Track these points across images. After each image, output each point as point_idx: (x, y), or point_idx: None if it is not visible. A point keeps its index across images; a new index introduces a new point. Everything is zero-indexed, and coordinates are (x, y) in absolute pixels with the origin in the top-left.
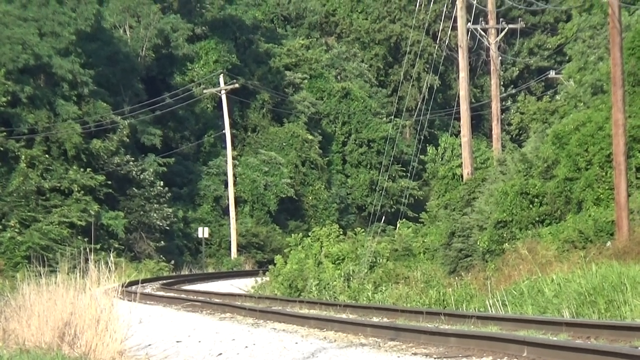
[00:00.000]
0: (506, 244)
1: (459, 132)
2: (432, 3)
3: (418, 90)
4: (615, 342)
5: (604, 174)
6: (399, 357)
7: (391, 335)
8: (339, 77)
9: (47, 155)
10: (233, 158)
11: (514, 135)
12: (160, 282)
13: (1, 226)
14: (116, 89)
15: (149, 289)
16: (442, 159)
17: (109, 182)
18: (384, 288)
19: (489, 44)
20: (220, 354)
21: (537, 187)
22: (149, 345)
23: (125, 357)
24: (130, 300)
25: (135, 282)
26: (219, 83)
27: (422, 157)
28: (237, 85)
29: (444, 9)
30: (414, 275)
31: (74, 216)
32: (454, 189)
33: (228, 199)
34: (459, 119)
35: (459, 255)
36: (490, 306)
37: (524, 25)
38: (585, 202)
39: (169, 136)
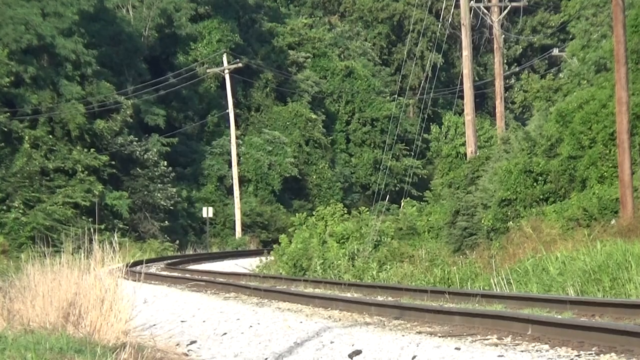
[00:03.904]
0: (510, 222)
1: (463, 110)
2: None
3: (421, 69)
4: (620, 319)
5: (607, 151)
6: (403, 335)
7: (396, 314)
8: (342, 55)
9: (50, 136)
10: (237, 138)
11: (517, 114)
12: (164, 262)
13: (5, 207)
14: (119, 69)
15: (153, 269)
16: (445, 138)
17: (113, 162)
18: (388, 267)
19: (492, 22)
20: (225, 333)
21: (541, 166)
22: (154, 325)
23: (130, 337)
24: (135, 280)
25: (140, 262)
26: (222, 62)
27: (425, 135)
28: (240, 65)
29: None
30: (419, 254)
31: (78, 196)
32: (458, 167)
33: (232, 179)
34: (462, 98)
35: (464, 234)
36: (495, 284)
37: (527, 3)
38: (589, 180)
39: (173, 116)
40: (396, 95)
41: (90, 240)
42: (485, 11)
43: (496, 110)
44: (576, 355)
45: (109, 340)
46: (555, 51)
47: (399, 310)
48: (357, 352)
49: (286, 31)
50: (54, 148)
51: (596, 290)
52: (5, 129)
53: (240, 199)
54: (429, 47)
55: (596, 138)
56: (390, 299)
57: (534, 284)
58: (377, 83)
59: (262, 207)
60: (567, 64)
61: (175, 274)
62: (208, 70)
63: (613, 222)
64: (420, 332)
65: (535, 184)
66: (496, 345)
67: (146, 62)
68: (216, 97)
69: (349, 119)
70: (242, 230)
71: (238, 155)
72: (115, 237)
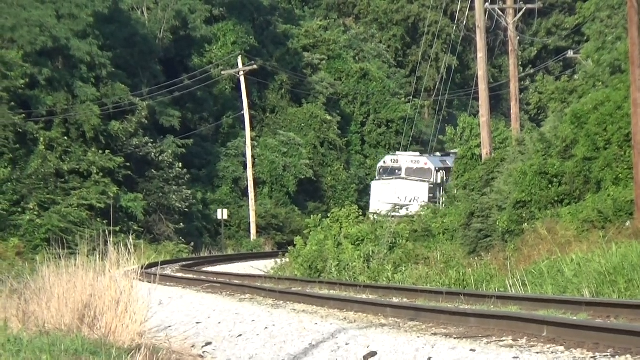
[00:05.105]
0: (525, 224)
1: (478, 112)
2: None
3: (436, 71)
4: (635, 321)
5: (622, 153)
6: (418, 337)
7: (411, 315)
8: (357, 57)
9: (65, 138)
10: (252, 139)
11: (532, 115)
12: (179, 263)
13: (20, 209)
14: (134, 71)
15: (168, 270)
16: (460, 139)
17: (128, 164)
18: (403, 268)
19: (507, 24)
20: (240, 335)
21: (555, 167)
22: (169, 326)
23: (145, 339)
24: (150, 282)
25: (155, 264)
26: (237, 64)
27: (440, 137)
28: (255, 67)
29: None
30: (434, 256)
31: (93, 198)
32: (473, 169)
33: (247, 181)
34: (477, 99)
35: (479, 236)
36: (510, 286)
37: (542, 5)
38: (604, 182)
39: (188, 118)
40: (411, 97)
41: (105, 242)
42: (500, 13)
43: (511, 111)
44: (591, 357)
45: (124, 342)
46: (570, 53)
47: (414, 312)
48: (373, 354)
49: (301, 33)
50: (69, 150)
51: (611, 292)
52: (20, 131)
53: (255, 201)
54: (444, 49)
55: (611, 139)
56: (405, 300)
57: (549, 285)
58: (392, 85)
59: (277, 209)
60: (582, 65)
61: (191, 276)
62: (223, 72)
63: (628, 223)
64: (435, 334)
65: (550, 185)
66: (511, 346)
67: (161, 63)
68: (231, 98)
69: (364, 120)
70: (257, 232)
71: (253, 157)
72: (130, 239)
